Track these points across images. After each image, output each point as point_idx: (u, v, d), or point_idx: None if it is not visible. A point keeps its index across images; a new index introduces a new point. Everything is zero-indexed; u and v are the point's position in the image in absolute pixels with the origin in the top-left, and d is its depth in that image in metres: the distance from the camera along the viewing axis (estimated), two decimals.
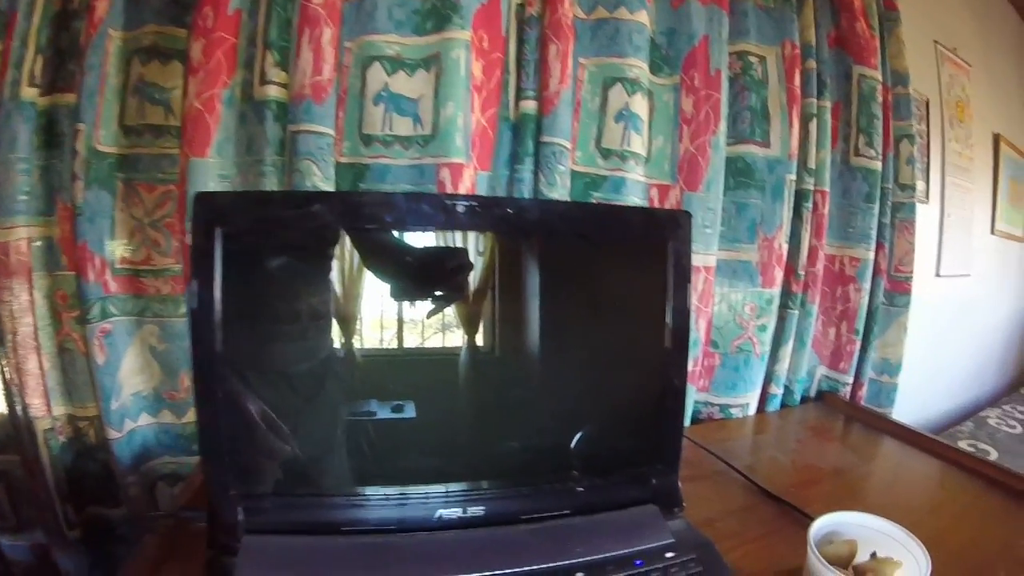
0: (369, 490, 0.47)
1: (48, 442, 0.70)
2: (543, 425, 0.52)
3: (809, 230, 0.92)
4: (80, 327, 0.67)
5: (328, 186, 0.64)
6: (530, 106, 0.72)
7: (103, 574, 0.74)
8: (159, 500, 0.74)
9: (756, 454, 0.80)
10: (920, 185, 1.33)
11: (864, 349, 1.01)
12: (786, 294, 0.93)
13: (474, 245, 0.48)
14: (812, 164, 0.90)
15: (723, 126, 0.82)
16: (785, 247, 0.90)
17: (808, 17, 0.89)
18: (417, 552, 0.43)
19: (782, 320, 0.93)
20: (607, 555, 0.45)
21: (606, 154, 0.77)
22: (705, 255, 0.83)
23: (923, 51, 1.35)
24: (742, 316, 0.90)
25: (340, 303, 0.47)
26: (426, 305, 0.48)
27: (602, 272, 0.53)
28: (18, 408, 0.68)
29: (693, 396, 0.90)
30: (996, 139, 1.72)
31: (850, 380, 1.01)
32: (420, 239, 0.48)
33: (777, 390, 0.96)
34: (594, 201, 0.77)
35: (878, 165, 0.95)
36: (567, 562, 0.44)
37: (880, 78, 0.94)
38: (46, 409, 0.69)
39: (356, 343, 0.48)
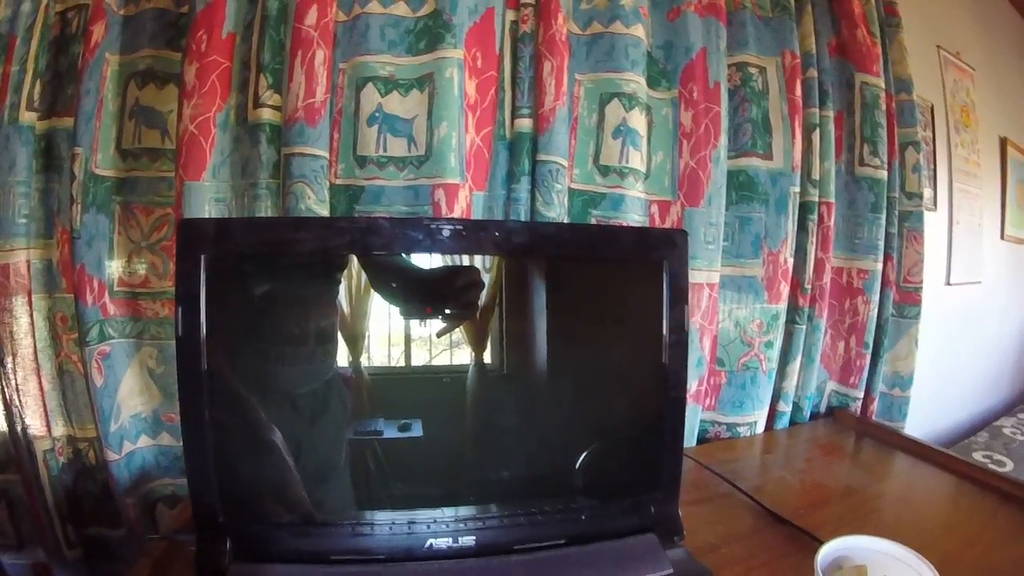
0: (362, 518, 0.47)
1: (48, 462, 0.70)
2: (540, 449, 0.51)
3: (815, 243, 0.90)
4: (79, 349, 0.68)
5: (323, 208, 0.64)
6: (525, 124, 0.71)
7: None
8: (159, 521, 0.73)
9: (764, 475, 0.78)
10: (927, 192, 1.31)
11: (874, 363, 0.99)
12: (793, 309, 0.91)
13: (481, 263, 0.48)
14: (816, 175, 0.89)
15: (724, 139, 0.81)
16: (791, 261, 0.88)
17: (808, 26, 0.88)
18: None
19: (789, 336, 0.91)
20: None
21: (604, 171, 0.76)
22: (709, 271, 0.82)
23: (926, 56, 1.33)
24: (748, 333, 0.88)
25: (321, 324, 0.47)
26: (436, 324, 0.48)
27: (598, 295, 0.52)
28: (18, 428, 0.69)
29: (699, 415, 0.88)
30: (1003, 143, 1.69)
31: (861, 395, 0.99)
32: (426, 260, 0.48)
33: (786, 407, 0.94)
34: (593, 220, 0.76)
35: (884, 174, 0.94)
36: None
37: (883, 85, 0.93)
38: (46, 430, 0.70)
39: (357, 364, 0.48)
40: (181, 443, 0.71)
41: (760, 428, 0.91)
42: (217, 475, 0.43)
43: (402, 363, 0.48)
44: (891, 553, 0.46)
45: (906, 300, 1.01)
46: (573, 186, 0.76)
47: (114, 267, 0.69)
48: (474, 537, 0.46)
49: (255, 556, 0.43)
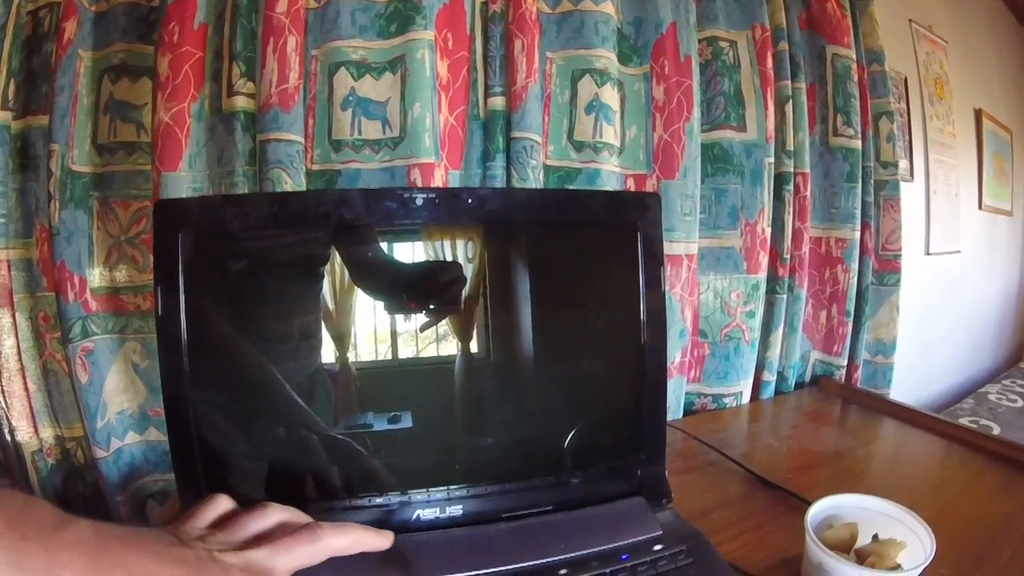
0: (352, 502, 0.46)
1: (37, 464, 0.70)
2: (529, 428, 0.51)
3: (792, 213, 0.92)
4: (62, 347, 0.67)
5: None
6: (498, 102, 0.72)
7: None
8: (150, 518, 0.73)
9: (751, 442, 0.79)
10: (903, 163, 1.33)
11: (856, 331, 1.00)
12: (772, 279, 0.92)
13: (464, 253, 0.48)
14: (791, 146, 0.90)
15: (696, 112, 0.82)
16: (768, 231, 0.90)
17: (777, 1, 0.89)
18: (395, 554, 0.43)
19: (771, 306, 0.93)
20: (592, 550, 0.44)
21: (579, 147, 0.77)
22: (687, 243, 0.83)
23: (898, 30, 1.35)
24: (729, 303, 0.89)
25: (301, 316, 0.47)
26: (420, 318, 0.48)
27: (573, 262, 0.52)
28: (5, 431, 0.68)
29: (684, 387, 0.89)
30: (978, 114, 1.72)
31: (844, 363, 1.00)
32: (409, 253, 0.48)
33: (770, 377, 0.95)
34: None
35: (858, 144, 0.95)
36: (549, 559, 0.43)
37: (854, 57, 0.95)
38: (33, 431, 0.69)
39: (344, 359, 0.48)
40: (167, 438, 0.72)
41: (746, 398, 0.92)
42: (203, 461, 0.43)
43: (389, 357, 0.48)
44: (881, 510, 0.45)
45: (885, 268, 1.03)
46: (548, 162, 0.77)
47: (94, 262, 0.68)
48: (461, 507, 0.47)
49: None
